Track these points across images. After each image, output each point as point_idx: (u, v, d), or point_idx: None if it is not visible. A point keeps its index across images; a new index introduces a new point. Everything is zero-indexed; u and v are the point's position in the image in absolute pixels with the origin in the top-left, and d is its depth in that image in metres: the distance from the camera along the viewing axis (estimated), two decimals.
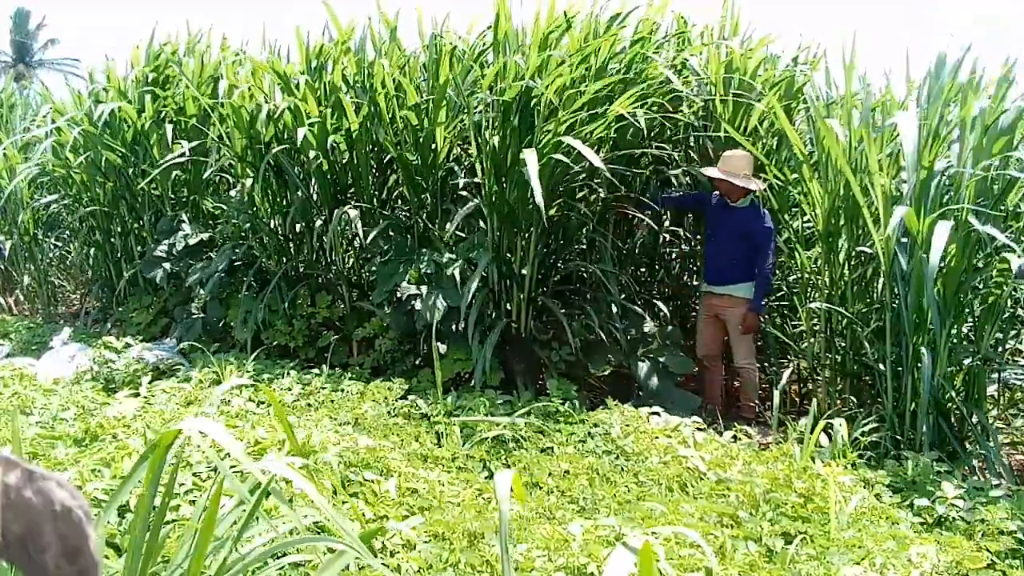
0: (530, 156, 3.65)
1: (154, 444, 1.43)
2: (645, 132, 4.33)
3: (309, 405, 3.66)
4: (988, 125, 3.51)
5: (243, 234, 5.16)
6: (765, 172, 4.47)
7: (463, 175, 4.54)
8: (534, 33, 4.14)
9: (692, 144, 4.99)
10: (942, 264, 3.46)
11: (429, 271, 4.27)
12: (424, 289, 4.21)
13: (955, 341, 3.72)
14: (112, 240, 6.17)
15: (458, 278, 4.14)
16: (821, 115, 4.01)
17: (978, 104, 3.57)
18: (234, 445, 1.32)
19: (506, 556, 1.39)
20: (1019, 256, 3.34)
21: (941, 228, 3.33)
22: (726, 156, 4.39)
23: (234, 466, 2.40)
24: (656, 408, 3.68)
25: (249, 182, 5.04)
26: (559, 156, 3.82)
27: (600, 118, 3.99)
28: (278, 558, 1.97)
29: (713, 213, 4.56)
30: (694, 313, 5.02)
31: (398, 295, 4.30)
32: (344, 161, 4.81)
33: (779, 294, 5.21)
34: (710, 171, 4.41)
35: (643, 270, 5.48)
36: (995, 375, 4.12)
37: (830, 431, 3.36)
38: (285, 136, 4.68)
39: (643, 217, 4.75)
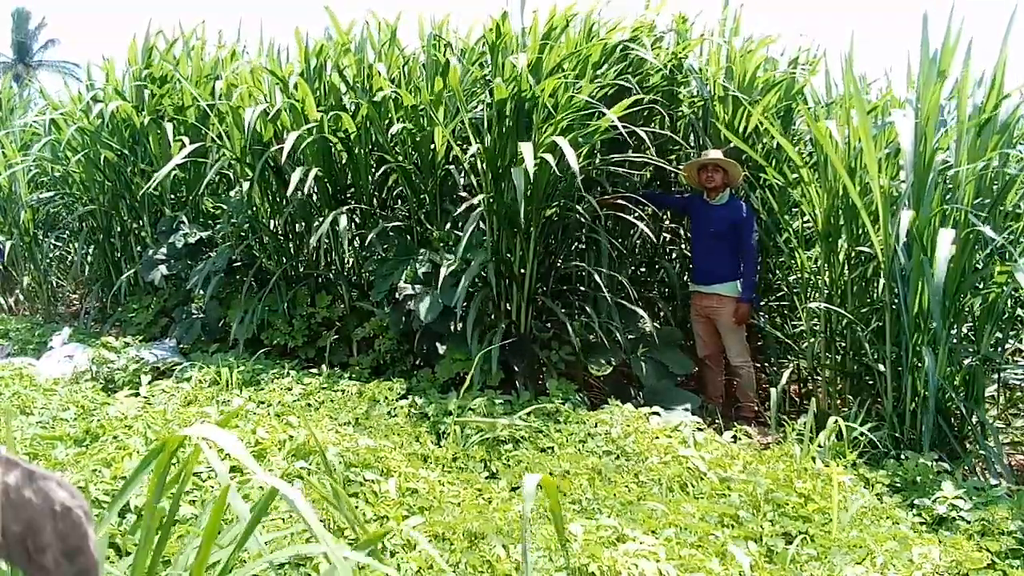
0: (527, 149, 3.63)
1: (156, 448, 1.43)
2: (643, 134, 4.34)
3: (309, 405, 3.65)
4: (983, 123, 3.51)
5: (242, 234, 5.16)
6: (764, 173, 4.48)
7: (461, 176, 4.54)
8: (532, 39, 4.14)
9: (693, 145, 5.00)
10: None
11: (426, 271, 4.26)
12: (421, 289, 4.21)
13: (955, 341, 3.72)
14: (112, 240, 6.16)
15: (456, 278, 4.14)
16: (820, 117, 4.01)
17: (972, 101, 3.57)
18: (243, 453, 1.32)
19: (527, 559, 1.39)
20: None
21: (944, 237, 3.31)
22: (705, 152, 4.60)
23: (235, 467, 2.40)
24: (656, 408, 3.68)
25: (248, 183, 5.03)
26: (548, 156, 3.80)
27: (597, 120, 3.98)
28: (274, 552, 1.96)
29: (696, 214, 4.65)
30: None
31: (397, 295, 4.30)
32: (343, 161, 4.81)
33: (779, 294, 5.21)
34: (685, 171, 4.62)
35: (643, 270, 5.48)
36: (995, 375, 4.12)
37: (830, 431, 3.35)
38: (284, 136, 4.68)
39: (636, 209, 4.78)
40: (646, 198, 4.70)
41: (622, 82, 4.29)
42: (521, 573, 2.03)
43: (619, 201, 4.58)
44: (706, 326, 4.69)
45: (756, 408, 4.58)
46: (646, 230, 4.66)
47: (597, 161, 4.55)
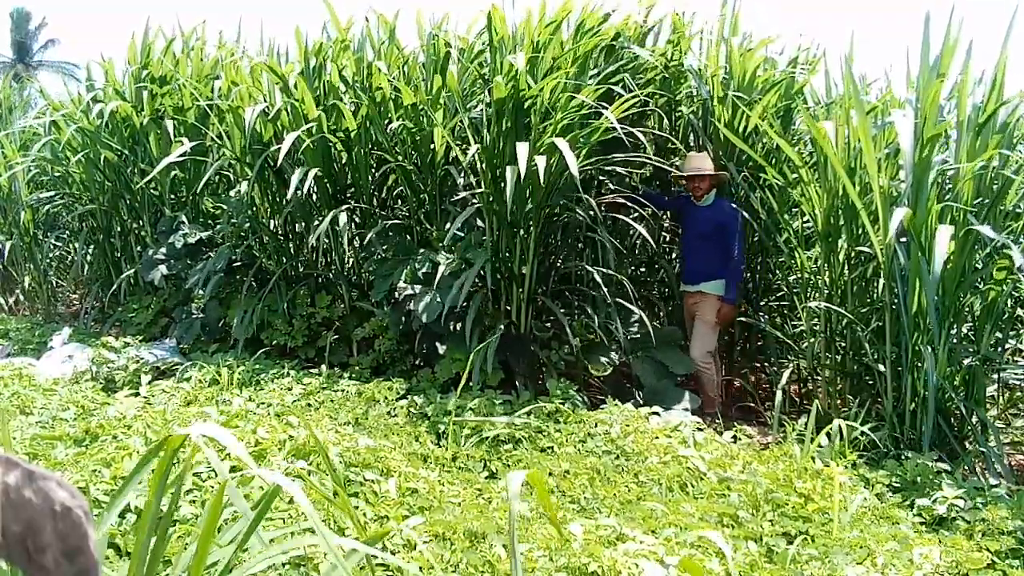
0: (521, 150, 3.64)
1: (156, 447, 1.43)
2: (641, 135, 4.33)
3: (309, 405, 3.65)
4: (982, 124, 3.50)
5: (242, 234, 5.16)
6: (764, 173, 4.48)
7: (461, 175, 4.54)
8: (527, 37, 4.13)
9: (692, 144, 5.00)
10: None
11: (426, 271, 4.26)
12: (420, 289, 4.21)
13: (955, 341, 3.72)
14: (112, 240, 6.16)
15: (455, 278, 4.14)
16: (819, 117, 4.00)
17: (972, 101, 3.57)
18: (242, 451, 1.32)
19: (515, 557, 1.39)
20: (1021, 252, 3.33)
21: (942, 233, 3.31)
22: (689, 156, 4.62)
23: (235, 467, 2.40)
24: (656, 408, 3.68)
25: (248, 183, 5.03)
26: (543, 159, 3.78)
27: (595, 117, 3.98)
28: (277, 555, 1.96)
29: (684, 214, 4.69)
30: None
31: (396, 295, 4.29)
32: (343, 161, 4.80)
33: (779, 294, 5.21)
34: (677, 173, 4.64)
35: (642, 270, 5.47)
36: (995, 375, 4.12)
37: (830, 431, 3.36)
38: (284, 136, 4.68)
39: (635, 209, 4.78)
40: (643, 198, 4.70)
41: (618, 81, 4.29)
42: (522, 572, 2.03)
43: (618, 200, 4.58)
44: None
45: (718, 403, 4.54)
46: (643, 231, 4.65)
47: (594, 160, 4.54)
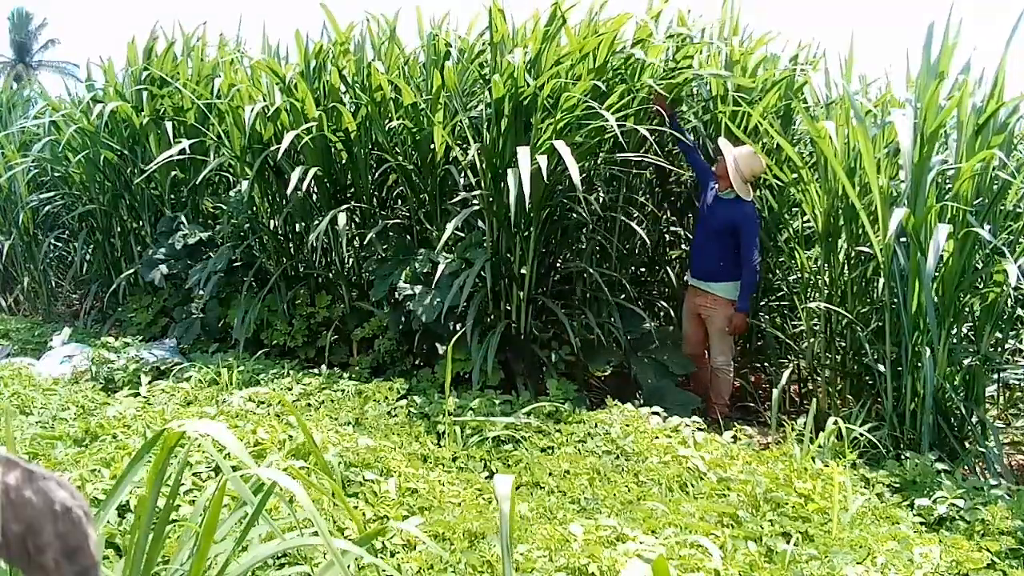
0: (523, 155, 3.63)
1: (148, 443, 1.43)
2: (645, 132, 4.31)
3: (309, 405, 3.65)
4: (982, 124, 3.50)
5: (242, 234, 5.16)
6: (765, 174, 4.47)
7: (461, 176, 4.54)
8: (534, 36, 4.14)
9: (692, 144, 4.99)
10: (940, 264, 3.46)
11: (425, 271, 4.26)
12: (420, 289, 4.21)
13: (955, 341, 3.72)
14: (112, 240, 6.17)
15: (455, 278, 4.14)
16: (819, 118, 4.00)
17: (972, 101, 3.57)
18: (238, 448, 1.32)
19: (507, 559, 1.39)
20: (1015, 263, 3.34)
21: (938, 234, 3.31)
22: (748, 150, 4.24)
23: (235, 466, 2.40)
24: (656, 408, 3.68)
25: (248, 182, 5.03)
26: (545, 159, 3.76)
27: (596, 117, 3.97)
28: (278, 558, 1.97)
29: (703, 199, 4.44)
30: None
31: (396, 295, 4.30)
32: (343, 161, 4.81)
33: (779, 294, 5.21)
34: (725, 144, 4.25)
35: (643, 270, 5.47)
36: (995, 375, 4.12)
37: (830, 431, 3.36)
38: (284, 135, 4.68)
39: (636, 209, 4.70)
40: (683, 147, 4.46)
41: (620, 80, 4.29)
42: (522, 573, 2.03)
43: (647, 160, 4.32)
44: (696, 324, 4.55)
45: (728, 407, 4.49)
46: (641, 233, 4.61)
47: (599, 161, 4.54)
